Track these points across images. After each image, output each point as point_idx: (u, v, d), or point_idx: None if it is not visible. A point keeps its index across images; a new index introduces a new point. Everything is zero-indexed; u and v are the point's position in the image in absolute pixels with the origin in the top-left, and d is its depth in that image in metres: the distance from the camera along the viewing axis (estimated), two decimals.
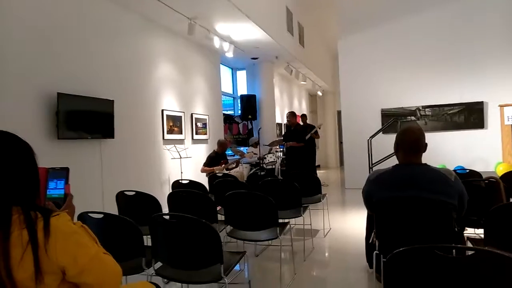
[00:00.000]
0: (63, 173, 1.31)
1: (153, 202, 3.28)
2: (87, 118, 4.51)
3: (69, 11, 4.45)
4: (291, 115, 7.34)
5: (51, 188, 1.29)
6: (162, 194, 5.64)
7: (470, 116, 7.89)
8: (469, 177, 3.78)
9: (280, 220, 3.15)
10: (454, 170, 3.25)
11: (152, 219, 2.27)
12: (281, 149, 8.55)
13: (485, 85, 7.76)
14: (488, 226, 2.24)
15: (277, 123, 10.24)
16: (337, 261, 3.98)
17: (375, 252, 2.27)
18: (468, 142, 7.87)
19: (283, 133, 9.58)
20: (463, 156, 7.78)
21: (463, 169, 4.90)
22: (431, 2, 8.13)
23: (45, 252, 1.03)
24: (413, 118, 8.27)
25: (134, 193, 3.34)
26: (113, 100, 4.90)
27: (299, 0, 9.41)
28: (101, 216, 2.31)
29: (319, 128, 8.59)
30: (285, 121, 7.62)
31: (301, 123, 9.03)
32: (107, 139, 4.88)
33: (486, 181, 3.00)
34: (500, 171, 6.55)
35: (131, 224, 2.28)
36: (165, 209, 3.58)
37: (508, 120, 6.96)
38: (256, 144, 8.20)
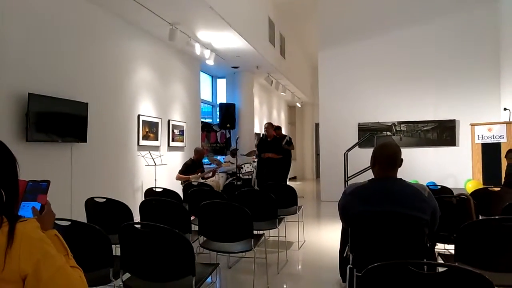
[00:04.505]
0: (42, 185, 1.25)
1: (124, 210, 3.17)
2: (58, 120, 4.35)
3: (44, 10, 4.31)
4: (270, 126, 7.34)
5: (27, 201, 1.23)
6: (134, 202, 5.49)
7: (443, 133, 8.15)
8: (440, 193, 3.85)
9: (255, 232, 3.10)
10: (427, 186, 3.32)
11: (122, 228, 2.19)
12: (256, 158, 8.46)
13: (457, 104, 8.06)
14: (459, 242, 2.28)
15: (255, 133, 10.24)
16: (310, 274, 3.95)
17: (348, 266, 2.26)
18: (440, 159, 8.11)
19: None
20: (435, 172, 8.01)
21: (435, 185, 5.02)
22: (408, 21, 8.41)
23: (4, 258, 0.95)
24: (388, 133, 8.46)
25: (104, 200, 3.22)
26: (87, 103, 4.76)
27: (281, 11, 9.53)
28: (68, 223, 2.21)
29: (289, 140, 8.43)
30: (263, 131, 7.60)
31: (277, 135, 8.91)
32: (79, 142, 4.71)
33: (457, 198, 3.07)
34: (470, 188, 6.76)
35: (99, 232, 2.19)
36: (137, 217, 3.47)
37: (479, 139, 7.22)
38: (233, 154, 8.15)
